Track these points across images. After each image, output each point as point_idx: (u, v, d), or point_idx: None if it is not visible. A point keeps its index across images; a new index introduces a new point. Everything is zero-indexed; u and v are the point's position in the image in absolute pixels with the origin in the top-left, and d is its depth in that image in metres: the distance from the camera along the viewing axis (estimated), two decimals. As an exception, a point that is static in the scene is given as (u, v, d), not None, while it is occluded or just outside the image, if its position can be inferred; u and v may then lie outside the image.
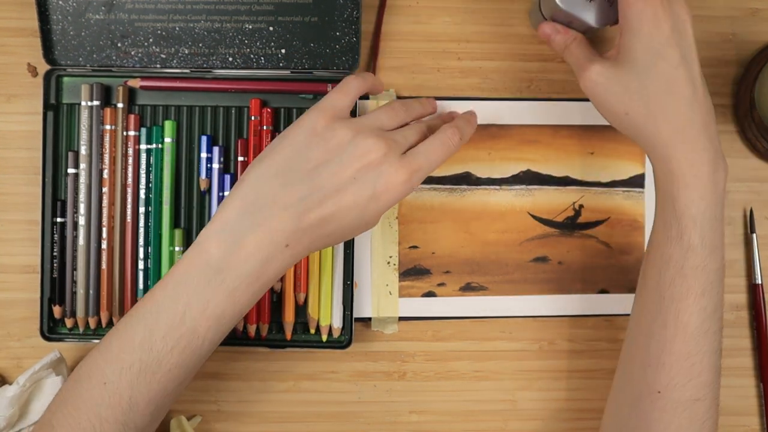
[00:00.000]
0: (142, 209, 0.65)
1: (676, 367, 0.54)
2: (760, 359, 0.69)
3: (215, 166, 0.65)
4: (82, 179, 0.64)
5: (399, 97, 0.67)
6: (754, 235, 0.69)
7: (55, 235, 0.65)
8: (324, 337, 0.66)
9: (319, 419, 0.68)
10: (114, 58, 0.65)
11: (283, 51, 0.65)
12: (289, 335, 0.66)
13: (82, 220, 0.64)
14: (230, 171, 0.66)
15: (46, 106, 0.65)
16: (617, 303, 0.69)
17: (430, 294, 0.68)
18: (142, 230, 0.65)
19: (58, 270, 0.65)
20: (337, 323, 0.66)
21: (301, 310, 0.66)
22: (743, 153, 0.70)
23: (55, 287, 0.65)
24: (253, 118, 0.65)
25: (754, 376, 0.70)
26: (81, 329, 0.65)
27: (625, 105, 0.54)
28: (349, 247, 0.65)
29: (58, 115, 0.65)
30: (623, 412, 0.57)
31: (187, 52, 0.65)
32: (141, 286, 0.65)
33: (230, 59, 0.65)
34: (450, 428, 0.69)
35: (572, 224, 0.68)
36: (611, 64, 0.55)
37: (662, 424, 0.54)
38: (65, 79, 0.65)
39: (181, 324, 0.52)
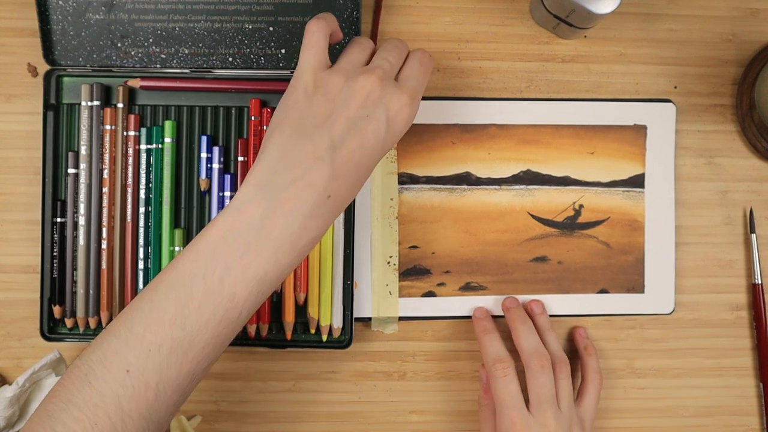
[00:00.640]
0: (142, 209, 0.65)
1: None
2: (760, 359, 0.69)
3: (215, 166, 0.65)
4: (82, 179, 0.64)
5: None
6: (754, 235, 0.69)
7: (55, 235, 0.65)
8: (324, 337, 0.66)
9: (319, 419, 0.68)
10: (114, 58, 0.65)
11: (283, 51, 0.65)
12: (289, 335, 0.66)
13: (82, 220, 0.64)
14: (230, 171, 0.66)
15: (46, 106, 0.65)
16: (617, 303, 0.69)
17: (430, 294, 0.68)
18: (142, 230, 0.65)
19: (58, 270, 0.65)
20: (337, 323, 0.66)
21: (301, 310, 0.66)
22: (743, 153, 0.70)
23: (55, 287, 0.65)
24: (253, 118, 0.65)
25: (754, 376, 0.70)
26: (81, 329, 0.65)
27: None
28: (349, 247, 0.65)
29: (58, 115, 0.65)
30: None
31: (187, 52, 0.65)
32: (141, 286, 0.65)
33: (230, 59, 0.65)
34: (450, 428, 0.69)
35: (572, 224, 0.68)
36: None
37: None
38: (65, 79, 0.65)
39: (219, 290, 0.49)
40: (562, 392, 0.63)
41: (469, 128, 0.68)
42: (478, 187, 0.68)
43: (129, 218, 0.65)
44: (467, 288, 0.68)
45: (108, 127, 0.65)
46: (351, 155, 0.52)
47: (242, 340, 0.65)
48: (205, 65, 0.65)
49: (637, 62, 0.69)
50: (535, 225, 0.68)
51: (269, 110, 0.65)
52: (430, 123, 0.68)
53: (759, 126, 0.66)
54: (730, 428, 0.70)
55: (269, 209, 0.50)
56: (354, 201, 0.66)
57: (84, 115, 0.65)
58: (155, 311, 0.49)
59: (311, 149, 0.51)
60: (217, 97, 0.66)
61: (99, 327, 0.65)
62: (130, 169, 0.65)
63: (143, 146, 0.65)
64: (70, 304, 0.65)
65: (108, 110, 0.65)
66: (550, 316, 0.68)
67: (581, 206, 0.68)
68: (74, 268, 0.65)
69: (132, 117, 0.65)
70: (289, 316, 0.65)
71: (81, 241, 0.65)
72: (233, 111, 0.66)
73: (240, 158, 0.65)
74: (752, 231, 0.69)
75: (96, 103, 0.65)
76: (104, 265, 0.65)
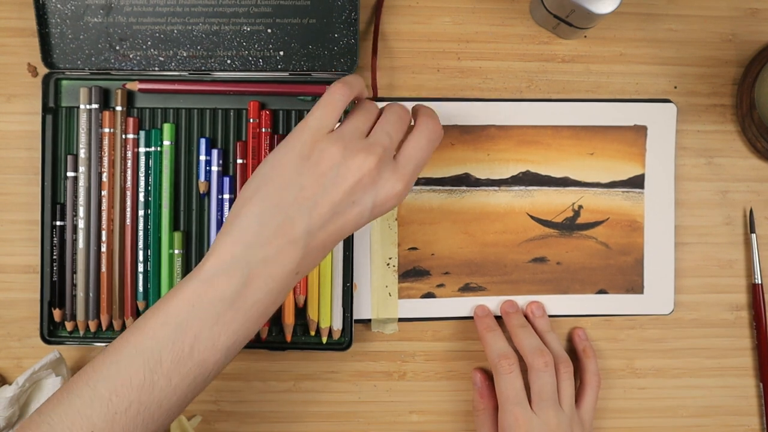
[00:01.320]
0: (141, 212, 0.65)
1: None
2: (760, 359, 0.69)
3: (214, 168, 0.65)
4: (82, 182, 0.65)
5: (397, 99, 0.67)
6: (754, 235, 0.69)
7: (55, 239, 0.65)
8: (324, 339, 0.66)
9: (319, 419, 0.69)
10: (112, 61, 0.65)
11: (281, 53, 0.65)
12: (289, 337, 0.66)
13: (81, 224, 0.65)
14: (229, 173, 0.66)
15: (45, 109, 0.65)
16: (616, 303, 0.69)
17: (429, 295, 0.68)
18: (141, 233, 0.65)
19: (57, 273, 0.65)
20: (337, 325, 0.66)
21: (300, 312, 0.66)
22: (743, 153, 0.69)
23: (55, 290, 0.65)
24: (251, 120, 0.65)
25: (754, 376, 0.70)
26: (81, 332, 0.65)
27: None
28: (348, 249, 0.66)
29: (57, 119, 0.65)
30: None
31: (185, 54, 0.65)
32: (141, 288, 0.65)
33: (229, 62, 0.65)
34: (450, 428, 0.69)
35: (571, 225, 0.68)
36: None
37: None
38: (64, 82, 0.65)
39: (189, 358, 0.49)
40: (564, 392, 0.63)
41: (468, 129, 0.68)
42: (478, 188, 0.68)
43: (128, 221, 0.65)
44: (466, 289, 0.68)
45: (107, 130, 0.65)
46: (327, 238, 0.52)
47: (242, 342, 0.65)
48: (203, 68, 0.65)
49: (637, 62, 0.68)
50: (534, 226, 0.68)
51: (268, 112, 0.65)
52: (430, 124, 0.68)
53: (759, 126, 0.65)
54: (730, 428, 0.70)
55: (241, 285, 0.50)
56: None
57: (83, 119, 0.65)
58: (122, 374, 0.49)
59: (288, 229, 0.51)
60: (216, 100, 0.66)
61: (99, 330, 0.65)
62: (129, 172, 0.65)
63: (142, 149, 0.65)
64: (70, 307, 0.65)
65: (107, 113, 0.65)
66: (550, 316, 0.68)
67: (580, 207, 0.68)
68: (74, 271, 0.65)
69: (131, 120, 0.65)
70: (289, 319, 0.65)
71: (80, 244, 0.65)
72: (232, 113, 0.66)
73: (239, 161, 0.65)
74: (752, 231, 0.69)
75: (95, 106, 0.65)
76: (104, 268, 0.65)
